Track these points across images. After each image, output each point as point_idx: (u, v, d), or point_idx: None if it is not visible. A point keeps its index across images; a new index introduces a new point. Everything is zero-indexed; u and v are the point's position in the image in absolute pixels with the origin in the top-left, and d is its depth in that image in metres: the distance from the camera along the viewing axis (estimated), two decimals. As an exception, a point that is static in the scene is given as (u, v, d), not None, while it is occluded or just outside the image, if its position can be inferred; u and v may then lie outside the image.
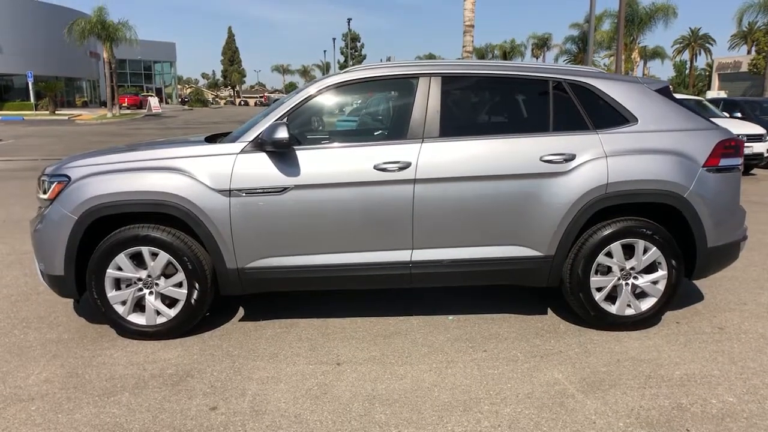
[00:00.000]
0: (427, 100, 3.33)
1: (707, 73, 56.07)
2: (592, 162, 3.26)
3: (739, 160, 3.43)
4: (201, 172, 3.22)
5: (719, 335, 3.41)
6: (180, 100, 62.78)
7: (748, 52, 50.38)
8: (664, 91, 3.53)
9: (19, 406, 2.65)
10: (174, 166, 3.24)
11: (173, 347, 3.28)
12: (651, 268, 3.40)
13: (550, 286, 3.46)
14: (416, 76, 3.39)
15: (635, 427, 2.46)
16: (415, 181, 3.23)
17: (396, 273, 3.35)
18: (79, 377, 2.93)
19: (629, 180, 3.26)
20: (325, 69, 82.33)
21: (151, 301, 3.33)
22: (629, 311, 3.43)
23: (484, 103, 3.49)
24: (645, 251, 3.35)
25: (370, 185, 3.23)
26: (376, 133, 3.58)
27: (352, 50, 79.76)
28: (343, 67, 76.31)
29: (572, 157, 3.27)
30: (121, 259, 3.26)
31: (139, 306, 3.37)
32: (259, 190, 3.21)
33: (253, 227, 3.24)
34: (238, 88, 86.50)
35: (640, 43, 33.93)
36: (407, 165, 3.23)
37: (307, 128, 3.61)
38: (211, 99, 62.06)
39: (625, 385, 2.82)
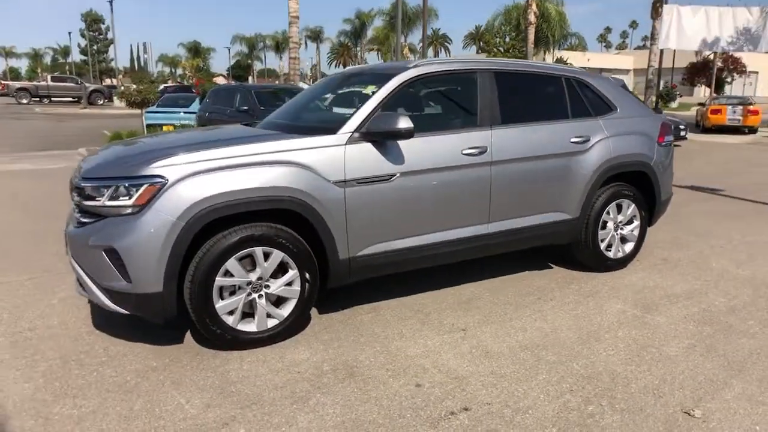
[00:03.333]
0: (489, 92, 3.82)
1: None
2: (601, 142, 4.19)
3: (672, 137, 4.78)
4: (317, 164, 3.17)
5: (671, 264, 4.73)
6: None
7: (477, 51, 60.56)
8: (624, 87, 4.67)
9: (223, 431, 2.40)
10: (290, 159, 3.11)
11: (293, 349, 3.17)
12: (630, 221, 4.53)
13: (570, 242, 4.32)
14: (475, 72, 3.84)
15: (700, 325, 3.47)
16: (491, 163, 3.72)
17: (478, 245, 3.81)
18: (240, 394, 2.70)
19: (623, 154, 4.30)
20: (63, 54, 70.87)
21: (262, 304, 3.15)
22: (619, 254, 4.51)
23: (523, 94, 4.11)
24: (628, 207, 4.46)
25: (459, 168, 3.61)
26: (454, 121, 3.88)
27: (96, 33, 70.37)
28: (84, 51, 66.75)
29: (588, 139, 4.15)
30: (232, 263, 3.01)
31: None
32: (370, 179, 3.31)
33: (365, 215, 3.32)
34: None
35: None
36: (485, 149, 3.69)
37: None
38: None
39: (662, 304, 3.83)
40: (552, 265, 4.66)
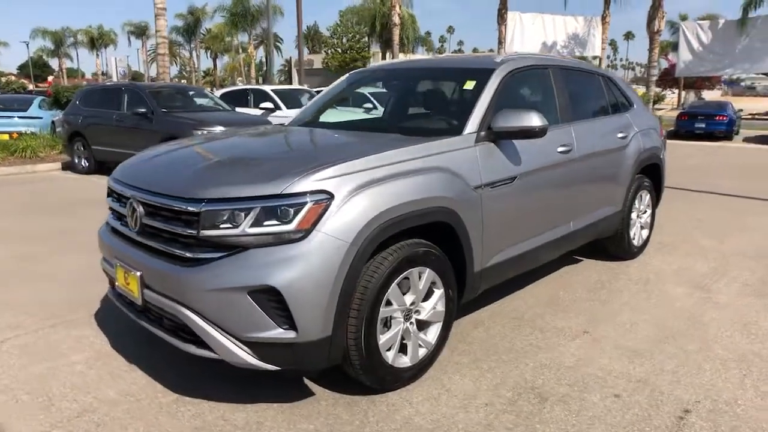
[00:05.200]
0: (562, 89, 3.78)
1: (287, 68, 64.32)
2: (635, 136, 4.43)
3: (663, 132, 5.22)
4: (461, 168, 2.83)
5: (670, 246, 5.17)
6: None
7: (310, 52, 60.61)
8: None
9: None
10: (438, 165, 2.73)
11: (446, 378, 2.81)
12: (645, 210, 4.86)
13: (614, 234, 4.47)
14: (548, 67, 3.77)
15: (758, 298, 3.84)
16: (576, 160, 3.69)
17: (565, 243, 3.77)
18: (452, 441, 2.29)
19: (647, 148, 4.59)
20: None
21: (414, 332, 2.72)
22: (641, 241, 4.82)
23: (580, 91, 4.12)
24: (645, 197, 4.77)
25: (557, 167, 3.52)
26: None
27: None
28: None
29: (628, 134, 4.35)
30: (393, 290, 2.55)
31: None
32: (499, 182, 3.05)
33: (495, 222, 3.06)
34: None
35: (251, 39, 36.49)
36: (571, 146, 3.65)
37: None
38: None
39: (709, 284, 4.17)
40: (580, 258, 4.81)
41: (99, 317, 3.57)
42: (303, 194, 2.27)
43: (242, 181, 2.35)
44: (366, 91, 9.23)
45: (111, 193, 2.94)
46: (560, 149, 3.55)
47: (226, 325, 2.29)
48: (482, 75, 3.31)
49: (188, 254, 2.34)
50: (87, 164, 10.00)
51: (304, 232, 2.25)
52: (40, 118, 14.21)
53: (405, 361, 2.69)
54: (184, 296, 2.33)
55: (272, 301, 2.24)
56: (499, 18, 22.87)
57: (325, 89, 4.36)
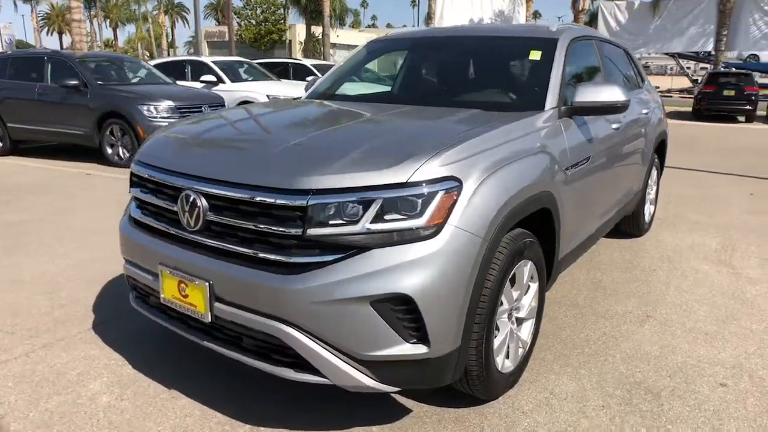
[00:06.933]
0: (605, 60, 3.60)
1: (195, 41, 60.52)
2: (652, 113, 4.36)
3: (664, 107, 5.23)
4: (555, 149, 2.56)
5: (667, 222, 5.24)
6: None
7: (219, 23, 57.01)
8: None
9: None
10: (540, 143, 2.45)
11: (543, 379, 2.57)
12: (653, 185, 4.86)
13: (631, 212, 4.41)
14: (592, 38, 3.55)
15: (785, 272, 3.96)
16: (624, 138, 3.53)
17: (609, 224, 3.64)
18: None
19: (659, 124, 4.55)
20: None
21: (515, 331, 2.44)
22: (649, 218, 4.83)
23: (614, 63, 3.92)
24: (654, 173, 4.77)
25: (614, 145, 3.35)
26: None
27: None
28: None
29: (649, 110, 4.27)
30: (507, 288, 2.24)
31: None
32: (580, 162, 2.81)
33: (576, 206, 2.82)
34: None
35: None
36: (620, 122, 3.47)
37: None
38: None
39: (729, 259, 4.21)
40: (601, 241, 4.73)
41: (101, 331, 2.97)
42: (431, 182, 1.88)
43: (355, 167, 1.91)
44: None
45: (140, 182, 2.37)
46: (614, 126, 3.37)
47: (339, 342, 1.88)
48: (547, 44, 3.03)
49: (285, 258, 1.89)
50: (1, 144, 8.68)
51: (435, 227, 1.87)
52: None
53: (509, 365, 2.41)
54: (285, 311, 1.88)
55: (399, 311, 1.86)
56: (430, -8, 22.69)
57: (341, 61, 3.89)
